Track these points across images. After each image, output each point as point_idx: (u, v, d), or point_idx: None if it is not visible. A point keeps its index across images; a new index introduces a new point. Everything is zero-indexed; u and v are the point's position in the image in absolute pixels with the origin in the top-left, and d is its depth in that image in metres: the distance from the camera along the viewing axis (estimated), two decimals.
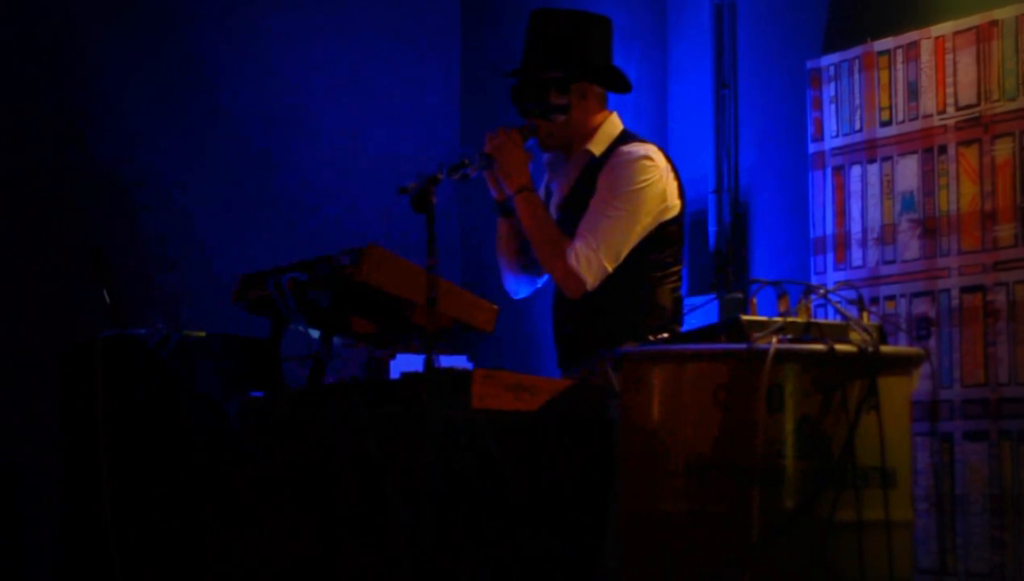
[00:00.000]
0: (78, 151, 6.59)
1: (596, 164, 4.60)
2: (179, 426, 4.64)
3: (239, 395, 4.58)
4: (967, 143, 5.26)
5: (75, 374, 4.80)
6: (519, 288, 4.84)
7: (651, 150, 4.58)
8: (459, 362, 4.59)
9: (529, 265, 4.80)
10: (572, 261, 4.46)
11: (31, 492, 6.23)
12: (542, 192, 4.84)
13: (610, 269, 4.47)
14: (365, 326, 4.56)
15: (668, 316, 4.54)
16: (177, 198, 6.74)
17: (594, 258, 4.46)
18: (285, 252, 5.12)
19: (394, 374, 4.56)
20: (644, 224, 4.50)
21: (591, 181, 4.58)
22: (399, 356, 4.60)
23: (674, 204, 4.58)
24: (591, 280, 4.47)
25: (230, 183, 6.86)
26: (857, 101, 5.65)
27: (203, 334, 4.75)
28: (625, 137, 4.64)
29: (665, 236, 4.57)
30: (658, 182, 4.52)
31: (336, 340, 4.61)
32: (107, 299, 4.90)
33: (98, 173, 6.61)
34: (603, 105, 4.69)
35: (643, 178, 4.51)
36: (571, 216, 4.61)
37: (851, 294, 3.90)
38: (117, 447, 4.63)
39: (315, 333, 4.65)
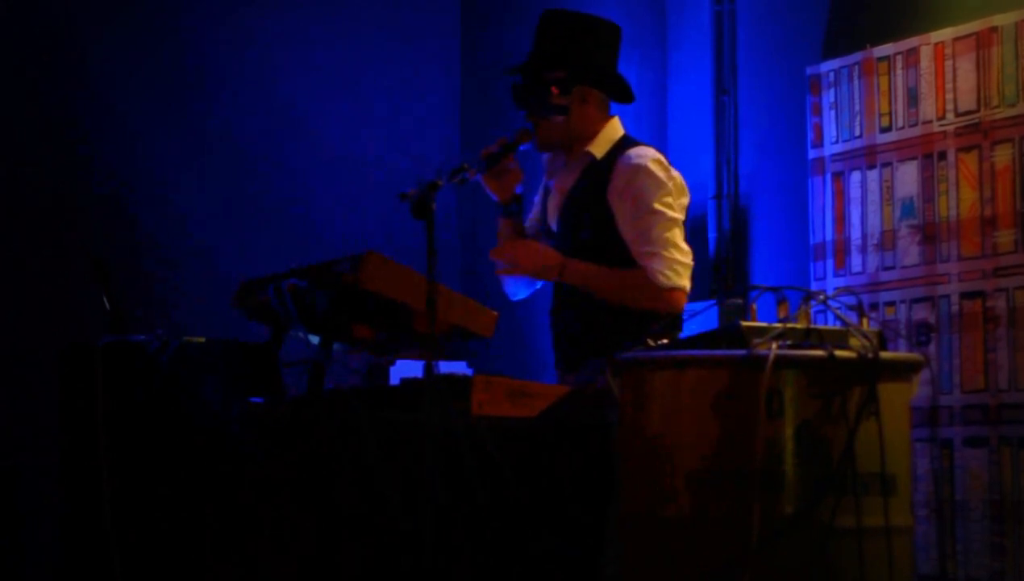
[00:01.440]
0: (78, 155, 6.59)
1: (598, 166, 4.60)
2: (179, 431, 4.64)
3: (239, 400, 4.58)
4: (967, 149, 5.26)
5: (75, 376, 4.80)
6: (518, 290, 4.85)
7: (657, 153, 4.59)
8: (458, 368, 4.59)
9: None
10: (663, 281, 4.46)
11: (31, 493, 6.23)
12: (540, 192, 4.85)
13: (690, 262, 4.50)
14: (365, 332, 4.56)
15: (668, 320, 4.55)
16: (176, 203, 6.74)
17: (674, 262, 4.47)
18: (285, 257, 5.12)
19: (394, 380, 4.56)
20: (683, 215, 4.53)
21: (593, 182, 4.58)
22: (399, 362, 4.60)
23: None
24: (686, 282, 4.50)
25: (229, 188, 6.86)
26: (857, 107, 5.65)
27: (203, 339, 4.75)
28: (627, 141, 4.64)
29: None
30: (677, 176, 4.55)
31: (336, 346, 4.62)
32: (107, 305, 4.90)
33: (98, 177, 6.61)
34: (605, 111, 4.69)
35: (666, 176, 4.52)
36: (572, 216, 4.62)
37: (851, 300, 3.91)
38: (117, 451, 4.64)
39: (315, 339, 4.65)
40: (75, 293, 6.18)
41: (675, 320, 4.58)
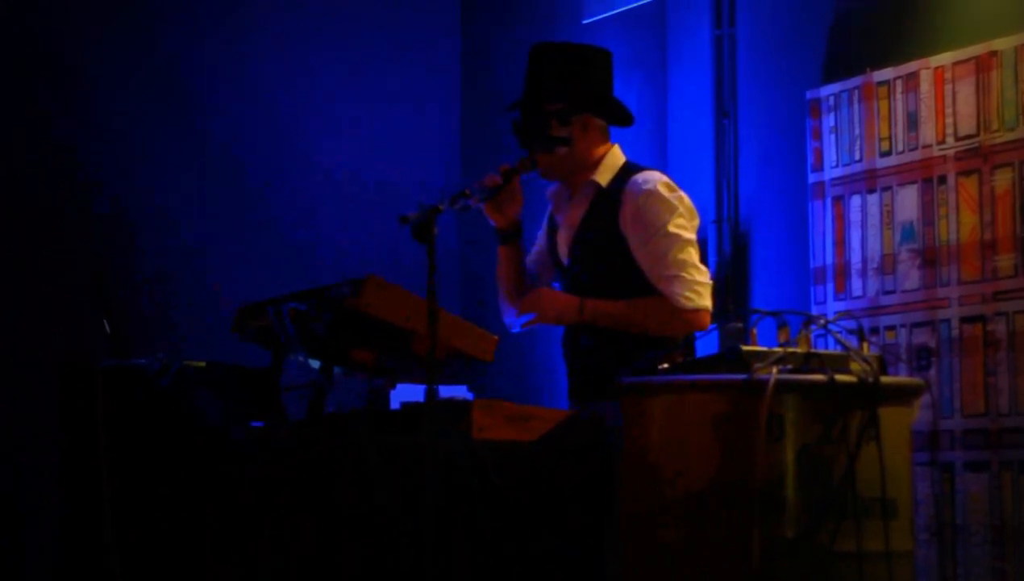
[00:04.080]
0: (77, 176, 6.60)
1: (605, 195, 4.58)
2: (179, 454, 4.64)
3: (240, 424, 4.58)
4: (967, 173, 5.26)
5: (75, 399, 4.80)
6: (518, 322, 4.82)
7: (663, 176, 4.59)
8: (459, 392, 4.59)
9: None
10: (685, 303, 4.43)
11: (33, 510, 6.24)
12: (544, 227, 4.84)
13: (709, 281, 4.48)
14: (365, 356, 4.56)
15: (678, 347, 4.52)
16: (176, 225, 6.75)
17: (694, 283, 4.45)
18: (285, 281, 5.13)
19: (394, 404, 4.56)
20: (695, 236, 4.53)
21: (602, 212, 4.56)
22: (399, 386, 4.60)
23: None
24: (708, 302, 4.47)
25: (230, 211, 6.87)
26: (857, 131, 5.65)
27: (203, 363, 4.76)
28: (631, 167, 4.63)
29: None
30: (686, 198, 4.54)
31: (336, 370, 4.61)
32: (107, 328, 4.91)
33: (97, 198, 6.63)
34: (606, 138, 4.68)
35: (675, 198, 4.51)
36: (584, 248, 4.60)
37: (851, 324, 3.90)
38: (117, 475, 4.64)
39: (315, 363, 4.65)
40: (75, 313, 6.19)
41: (686, 345, 4.55)
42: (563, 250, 4.69)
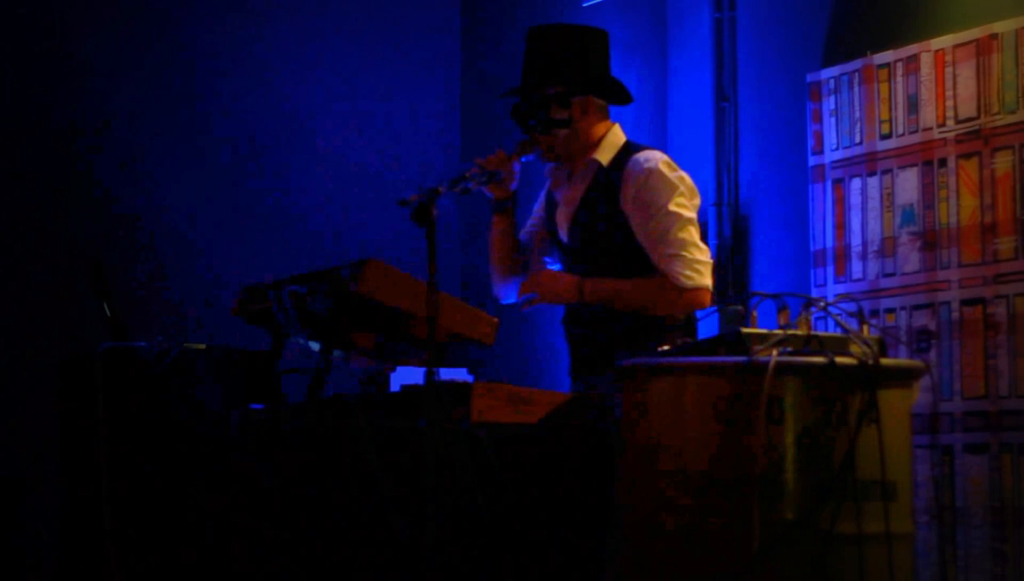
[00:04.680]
0: (77, 162, 6.60)
1: (606, 173, 4.59)
2: (179, 438, 4.64)
3: (239, 407, 4.58)
4: (967, 156, 5.26)
5: (76, 383, 4.80)
6: (508, 293, 4.84)
7: (664, 155, 4.59)
8: (459, 375, 4.59)
9: (519, 268, 4.80)
10: (685, 282, 4.44)
11: (32, 502, 6.24)
12: (541, 202, 4.84)
13: (710, 260, 4.49)
14: (365, 339, 4.57)
15: (680, 327, 4.53)
16: (177, 211, 6.76)
17: (694, 262, 4.46)
18: (286, 265, 5.12)
19: (394, 387, 4.56)
20: (696, 215, 4.53)
21: (603, 190, 4.57)
22: (399, 369, 4.60)
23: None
24: (708, 280, 4.48)
25: (230, 195, 6.87)
26: (857, 114, 5.65)
27: (204, 346, 4.76)
28: (632, 147, 4.64)
29: None
30: (687, 177, 4.55)
31: (336, 353, 4.62)
32: (107, 312, 4.91)
33: (97, 184, 6.63)
34: (605, 117, 4.69)
35: (676, 176, 4.52)
36: (585, 226, 4.61)
37: (851, 307, 3.91)
38: (117, 457, 4.64)
39: (315, 346, 4.65)
40: (76, 300, 6.19)
41: (688, 326, 4.56)
42: (562, 227, 4.70)
